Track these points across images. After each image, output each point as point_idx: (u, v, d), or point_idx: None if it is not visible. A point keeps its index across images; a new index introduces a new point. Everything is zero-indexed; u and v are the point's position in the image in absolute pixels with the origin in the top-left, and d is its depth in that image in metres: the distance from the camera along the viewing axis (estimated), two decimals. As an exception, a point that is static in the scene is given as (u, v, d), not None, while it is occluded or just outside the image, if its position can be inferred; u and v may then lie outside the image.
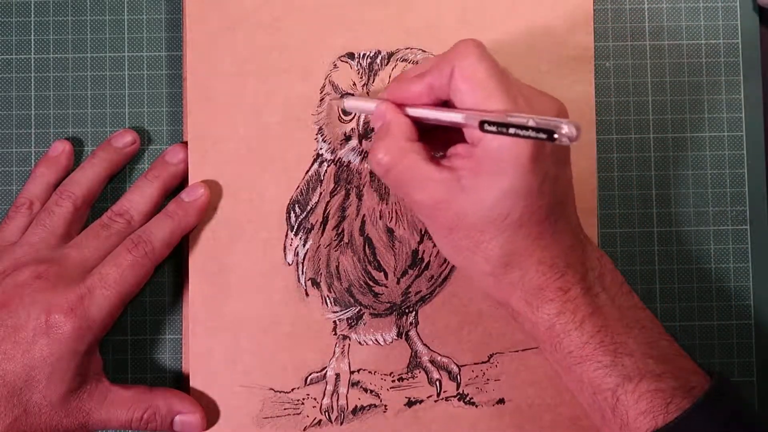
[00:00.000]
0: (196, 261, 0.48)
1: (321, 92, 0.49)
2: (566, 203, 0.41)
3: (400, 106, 0.42)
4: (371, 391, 0.49)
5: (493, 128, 0.36)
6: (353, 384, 0.49)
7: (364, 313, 0.49)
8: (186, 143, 0.49)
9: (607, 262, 0.42)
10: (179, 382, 0.50)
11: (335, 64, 0.49)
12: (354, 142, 0.49)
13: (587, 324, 0.40)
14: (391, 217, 0.48)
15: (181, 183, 0.49)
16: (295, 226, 0.49)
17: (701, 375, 0.40)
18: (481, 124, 0.36)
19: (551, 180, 0.39)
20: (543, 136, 0.34)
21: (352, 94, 0.48)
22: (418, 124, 0.42)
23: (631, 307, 0.42)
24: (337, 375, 0.49)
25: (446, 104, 0.41)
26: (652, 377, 0.39)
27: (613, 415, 0.40)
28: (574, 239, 0.41)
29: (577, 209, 0.43)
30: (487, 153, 0.38)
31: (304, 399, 0.49)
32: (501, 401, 0.49)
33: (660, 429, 0.38)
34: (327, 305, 0.49)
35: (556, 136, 0.34)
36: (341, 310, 0.49)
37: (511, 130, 0.35)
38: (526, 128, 0.34)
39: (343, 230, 0.49)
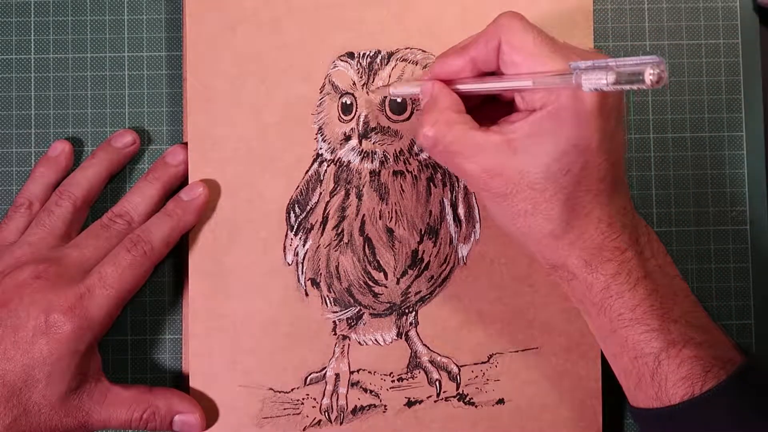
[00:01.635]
0: (195, 261, 0.48)
1: (321, 92, 0.49)
2: (621, 163, 0.41)
3: (449, 83, 0.42)
4: (371, 391, 0.49)
5: (591, 77, 0.35)
6: (353, 384, 0.49)
7: (363, 313, 0.49)
8: (186, 144, 0.49)
9: (652, 231, 0.43)
10: (179, 382, 0.50)
11: (335, 64, 0.49)
12: (354, 142, 0.49)
13: (640, 286, 0.40)
14: (391, 217, 0.48)
15: (181, 184, 0.49)
16: (295, 226, 0.49)
17: (736, 350, 0.41)
18: (574, 71, 0.35)
19: (610, 137, 0.39)
20: (633, 81, 0.33)
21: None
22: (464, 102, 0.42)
23: (674, 276, 0.42)
24: (337, 375, 0.49)
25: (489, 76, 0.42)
26: (694, 345, 0.40)
27: (651, 380, 0.40)
28: (627, 201, 0.42)
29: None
30: (546, 113, 0.38)
31: (303, 399, 0.49)
32: (501, 401, 0.49)
33: (697, 397, 0.39)
34: (327, 305, 0.49)
35: (644, 77, 0.33)
36: (341, 310, 0.49)
37: (601, 79, 0.34)
38: (614, 75, 0.34)
39: (342, 230, 0.49)
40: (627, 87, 0.34)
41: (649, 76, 0.33)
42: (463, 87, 0.42)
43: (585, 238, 0.41)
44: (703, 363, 0.39)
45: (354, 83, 0.49)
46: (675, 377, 0.39)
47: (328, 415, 0.49)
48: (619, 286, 0.40)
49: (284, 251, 0.49)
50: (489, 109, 0.43)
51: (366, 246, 0.49)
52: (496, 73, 0.42)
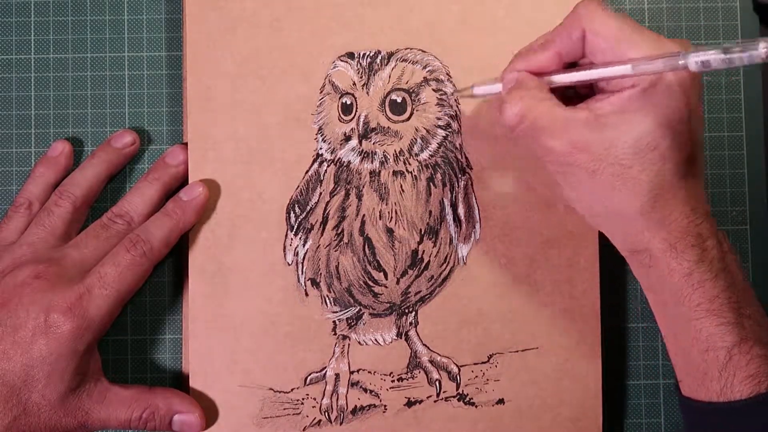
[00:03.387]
0: (195, 261, 0.48)
1: (321, 92, 0.49)
2: (701, 144, 0.41)
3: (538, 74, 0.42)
4: (371, 391, 0.49)
5: (699, 56, 0.36)
6: (353, 384, 0.49)
7: (363, 313, 0.49)
8: (186, 144, 0.49)
9: (722, 231, 0.43)
10: (179, 381, 0.50)
11: (335, 64, 0.49)
12: (354, 142, 0.49)
13: (720, 278, 0.40)
14: (391, 217, 0.48)
15: (181, 184, 0.49)
16: (295, 226, 0.49)
17: None
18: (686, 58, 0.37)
19: (694, 113, 0.40)
20: (744, 51, 0.35)
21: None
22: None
23: (744, 274, 0.42)
24: (337, 375, 0.49)
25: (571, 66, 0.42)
26: (763, 344, 0.40)
27: (719, 375, 0.40)
28: (704, 191, 0.42)
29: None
30: (638, 91, 0.39)
31: (303, 399, 0.49)
32: (501, 401, 0.49)
33: (763, 394, 0.39)
34: (327, 305, 0.49)
35: (761, 46, 0.34)
36: (341, 310, 0.49)
37: (711, 53, 0.36)
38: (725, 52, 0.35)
39: (342, 230, 0.49)
40: (737, 55, 0.35)
41: (764, 48, 0.34)
42: (558, 78, 0.42)
43: (671, 219, 0.40)
44: None
45: (354, 83, 0.49)
46: (743, 374, 0.39)
47: (328, 415, 0.49)
48: (702, 274, 0.40)
49: (284, 251, 0.49)
50: (572, 95, 0.43)
51: (366, 246, 0.49)
52: (577, 64, 0.42)
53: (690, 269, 0.40)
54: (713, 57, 0.36)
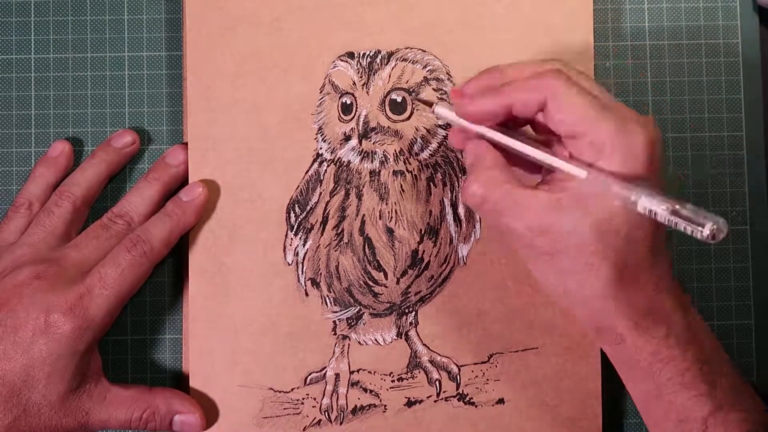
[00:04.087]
0: (195, 261, 0.48)
1: (321, 92, 0.49)
2: (663, 224, 0.41)
3: (497, 131, 0.42)
4: (371, 391, 0.49)
5: (652, 202, 0.37)
6: (353, 384, 0.49)
7: (363, 313, 0.49)
8: (186, 144, 0.49)
9: (687, 295, 0.42)
10: (179, 382, 0.50)
11: (335, 64, 0.49)
12: (354, 141, 0.49)
13: (689, 350, 0.40)
14: (391, 217, 0.48)
15: (181, 184, 0.49)
16: (295, 226, 0.49)
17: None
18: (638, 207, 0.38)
19: None
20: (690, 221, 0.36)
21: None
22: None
23: (714, 338, 0.42)
24: (337, 375, 0.49)
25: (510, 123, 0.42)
26: (740, 408, 0.40)
27: None
28: (669, 265, 0.41)
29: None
30: (597, 177, 0.38)
31: (303, 399, 0.49)
32: (501, 401, 0.49)
33: None
34: (327, 305, 0.49)
35: (702, 232, 0.35)
36: (341, 310, 0.49)
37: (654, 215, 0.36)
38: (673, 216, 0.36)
39: (342, 230, 0.49)
40: (681, 223, 0.36)
41: (708, 231, 0.35)
42: (509, 144, 0.41)
43: (634, 300, 0.40)
44: (748, 426, 0.39)
45: (354, 83, 0.49)
46: None
47: (328, 414, 0.49)
48: (670, 350, 0.40)
49: (284, 251, 0.49)
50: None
51: (366, 246, 0.49)
52: (530, 122, 0.41)
53: (657, 345, 0.40)
54: (661, 212, 0.36)
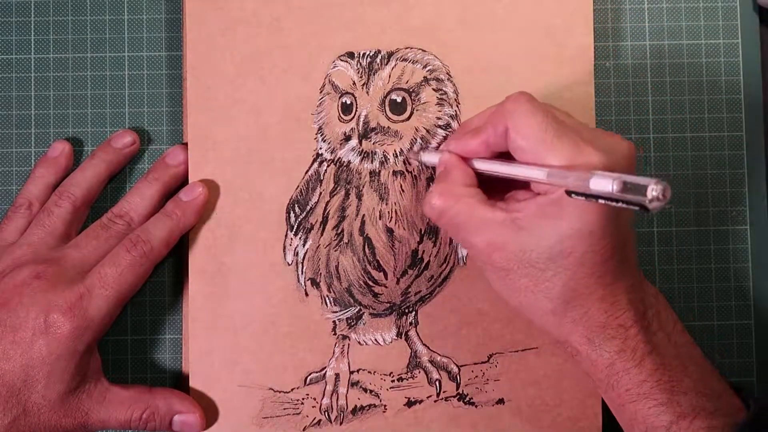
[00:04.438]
0: (195, 261, 0.48)
1: (321, 92, 0.49)
2: (627, 242, 0.41)
3: (465, 159, 0.43)
4: (371, 391, 0.49)
5: (581, 197, 0.36)
6: (353, 384, 0.49)
7: (363, 313, 0.49)
8: (186, 144, 0.49)
9: (662, 300, 0.43)
10: (179, 382, 0.50)
11: (335, 64, 0.49)
12: (354, 141, 0.49)
13: (646, 362, 0.40)
14: (391, 217, 0.48)
15: (181, 184, 0.49)
16: (295, 226, 0.49)
17: (744, 411, 0.41)
18: (568, 192, 0.37)
19: (615, 219, 0.39)
20: (633, 203, 0.34)
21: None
22: (479, 174, 0.43)
23: (685, 344, 0.42)
24: (337, 375, 0.49)
25: (502, 155, 0.42)
26: (706, 414, 0.40)
27: None
28: (633, 278, 0.42)
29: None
30: (549, 199, 0.39)
31: (303, 399, 0.49)
32: (501, 401, 0.49)
33: None
34: (326, 305, 0.49)
35: (645, 201, 0.34)
36: (341, 310, 0.49)
37: (600, 201, 0.35)
38: (614, 200, 0.35)
39: (342, 230, 0.49)
40: (628, 197, 0.34)
41: (652, 190, 0.33)
42: (478, 166, 0.43)
43: (587, 317, 0.41)
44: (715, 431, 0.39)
45: (354, 83, 0.49)
46: None
47: (328, 414, 0.49)
48: (625, 362, 0.40)
49: (284, 251, 0.49)
50: (501, 181, 0.43)
51: (366, 246, 0.49)
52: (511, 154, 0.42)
53: (611, 360, 0.41)
54: (606, 190, 0.35)
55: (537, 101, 0.41)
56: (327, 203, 0.49)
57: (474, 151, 0.43)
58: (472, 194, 0.42)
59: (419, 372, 0.49)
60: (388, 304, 0.49)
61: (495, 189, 0.43)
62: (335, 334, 0.49)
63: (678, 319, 0.43)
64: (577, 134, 0.39)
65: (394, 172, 0.49)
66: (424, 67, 0.49)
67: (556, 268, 0.40)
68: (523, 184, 0.42)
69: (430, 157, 0.47)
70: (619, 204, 0.35)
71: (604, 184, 0.35)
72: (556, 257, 0.39)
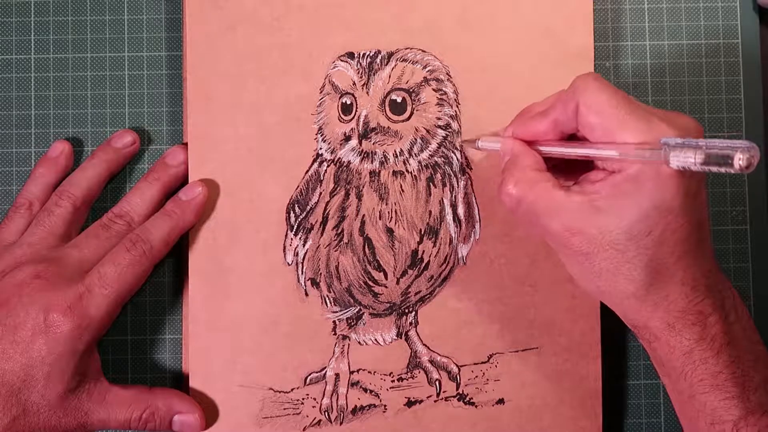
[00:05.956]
0: (195, 261, 0.48)
1: (321, 92, 0.49)
2: (704, 223, 0.41)
3: (530, 143, 0.43)
4: (371, 391, 0.49)
5: (679, 155, 0.35)
6: (353, 384, 0.49)
7: (363, 313, 0.49)
8: (186, 144, 0.49)
9: (736, 294, 0.42)
10: (179, 382, 0.50)
11: (335, 64, 0.49)
12: (354, 142, 0.49)
13: (724, 353, 0.40)
14: (391, 217, 0.48)
15: (181, 184, 0.49)
16: (295, 226, 0.49)
17: None
18: (666, 154, 0.36)
19: (692, 197, 0.39)
20: (722, 164, 0.34)
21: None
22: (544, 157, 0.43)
23: (756, 341, 0.42)
24: (337, 375, 0.49)
25: (571, 138, 0.42)
26: None
27: None
28: (711, 263, 0.41)
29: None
30: (627, 175, 0.38)
31: (303, 399, 0.49)
32: (501, 401, 0.49)
33: None
34: (326, 305, 0.49)
35: (733, 161, 0.33)
36: (341, 310, 0.49)
37: (689, 158, 0.35)
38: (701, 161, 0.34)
39: (342, 230, 0.49)
40: (714, 169, 0.34)
41: (739, 160, 0.33)
42: (545, 149, 0.42)
43: (669, 301, 0.40)
44: None
45: (354, 83, 0.49)
46: None
47: (328, 414, 0.49)
48: (703, 351, 0.40)
49: (284, 251, 0.49)
50: (569, 164, 0.43)
51: (366, 246, 0.49)
52: (577, 134, 0.41)
53: (690, 347, 0.40)
54: (692, 164, 0.35)
55: (606, 81, 0.40)
56: (327, 203, 0.49)
57: (543, 132, 0.42)
58: (546, 179, 0.41)
59: (419, 372, 0.49)
60: (388, 304, 0.49)
61: (564, 171, 0.43)
62: (335, 334, 0.49)
63: (750, 316, 0.42)
64: (647, 112, 0.39)
65: (394, 172, 0.49)
66: (424, 67, 0.49)
67: (636, 248, 0.39)
68: (591, 166, 0.42)
69: (489, 144, 0.46)
70: (721, 169, 0.34)
71: (687, 155, 0.34)
72: (636, 237, 0.38)
